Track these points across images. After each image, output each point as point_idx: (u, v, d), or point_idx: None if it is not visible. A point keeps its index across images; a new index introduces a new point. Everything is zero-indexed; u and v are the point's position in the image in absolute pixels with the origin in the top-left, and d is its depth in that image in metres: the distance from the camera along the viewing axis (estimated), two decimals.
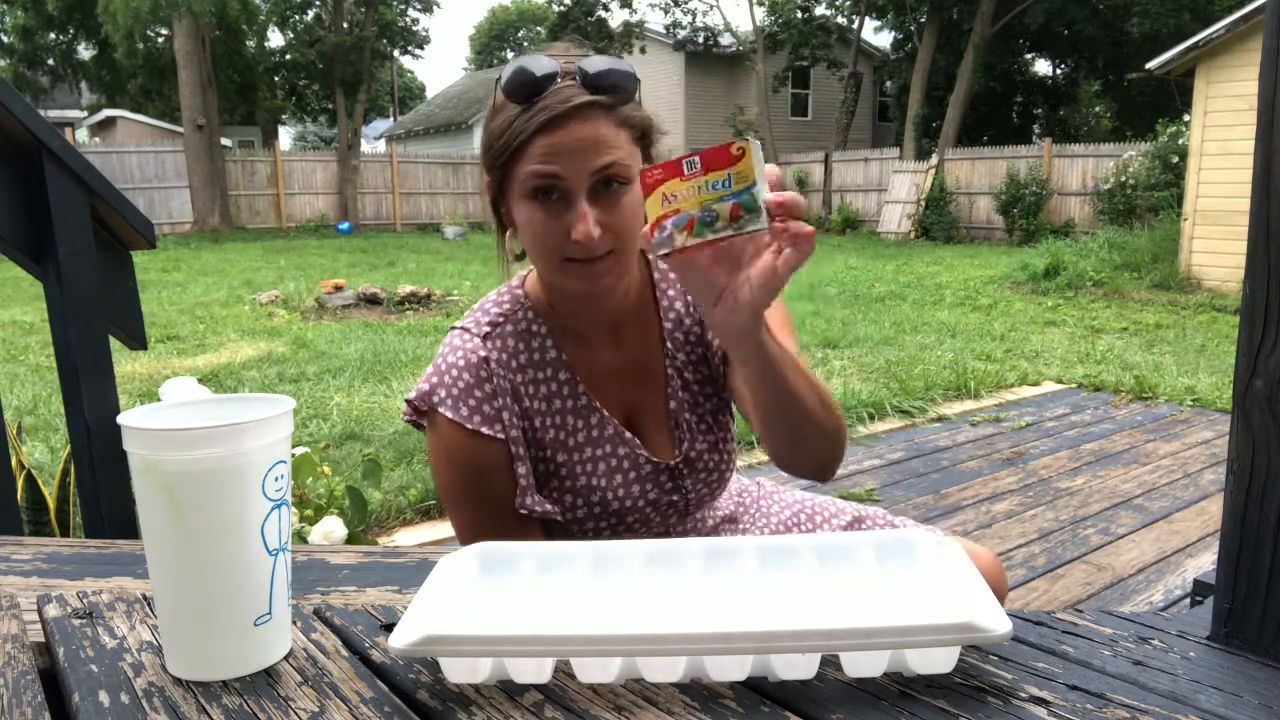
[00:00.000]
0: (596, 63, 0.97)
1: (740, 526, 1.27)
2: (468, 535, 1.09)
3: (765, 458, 3.97)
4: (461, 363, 1.07)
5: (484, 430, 1.06)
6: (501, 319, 1.11)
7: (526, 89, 0.96)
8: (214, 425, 0.66)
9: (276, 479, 0.69)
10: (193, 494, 0.66)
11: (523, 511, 1.07)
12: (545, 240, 0.99)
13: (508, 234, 1.08)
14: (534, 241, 1.01)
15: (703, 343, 1.15)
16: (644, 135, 1.03)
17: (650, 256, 1.14)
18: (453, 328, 1.12)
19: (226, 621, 0.68)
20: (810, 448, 1.00)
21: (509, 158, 0.98)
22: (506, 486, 1.07)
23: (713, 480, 1.17)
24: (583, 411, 1.11)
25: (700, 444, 1.14)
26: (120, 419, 0.67)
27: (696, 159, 0.71)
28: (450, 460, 1.09)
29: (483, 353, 1.08)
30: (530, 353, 1.10)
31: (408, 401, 1.09)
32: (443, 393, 1.06)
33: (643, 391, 1.14)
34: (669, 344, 1.13)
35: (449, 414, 1.06)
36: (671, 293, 1.15)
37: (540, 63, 0.97)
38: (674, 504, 1.14)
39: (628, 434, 1.11)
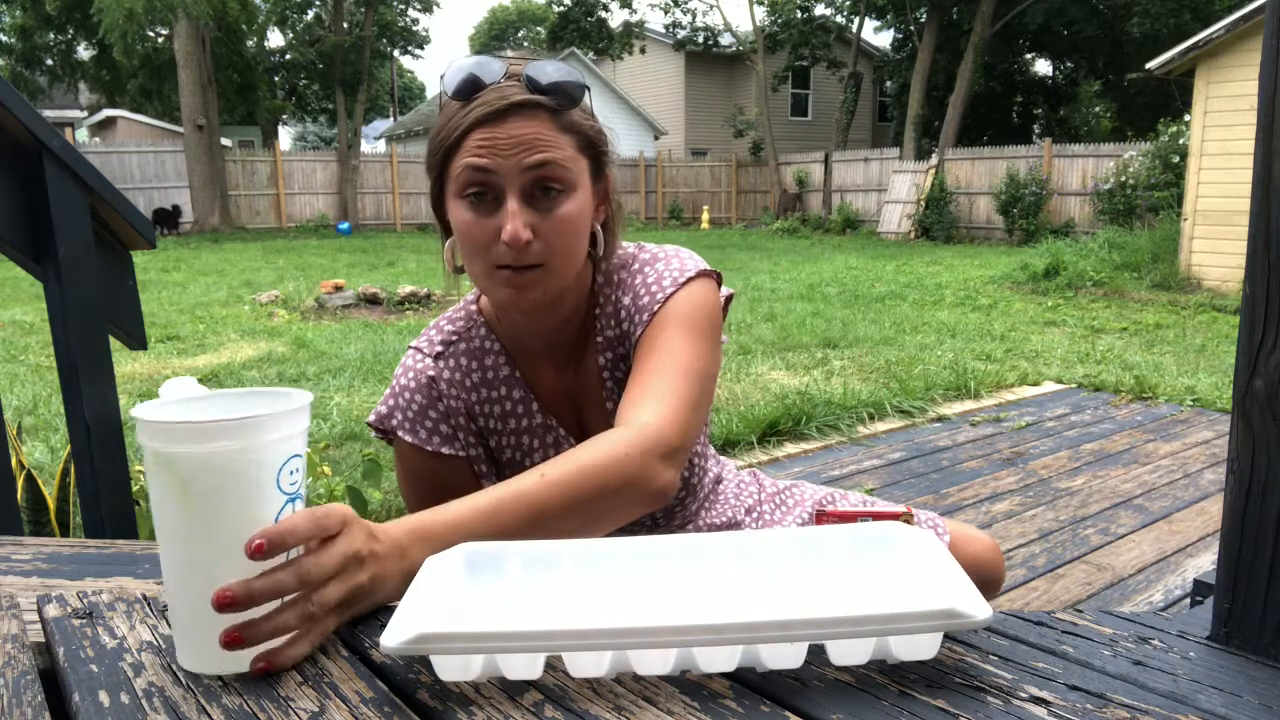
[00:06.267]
0: (542, 66, 0.95)
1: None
2: None
3: (762, 458, 3.97)
4: (413, 384, 1.06)
5: (444, 450, 1.05)
6: (455, 337, 1.09)
7: (467, 86, 0.94)
8: (232, 418, 0.66)
9: (292, 473, 0.69)
10: (208, 487, 0.66)
11: None
12: (475, 241, 0.95)
13: (449, 242, 1.02)
14: (465, 243, 0.96)
15: (626, 346, 1.08)
16: (592, 145, 0.98)
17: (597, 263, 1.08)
18: (409, 346, 1.11)
19: (242, 614, 0.67)
20: None
21: (445, 154, 0.95)
22: None
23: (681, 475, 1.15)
24: (538, 430, 1.09)
25: None
26: (134, 411, 0.67)
27: (871, 519, 0.82)
28: (417, 482, 1.08)
29: (432, 373, 1.06)
30: (484, 371, 1.08)
31: (369, 424, 1.08)
32: (400, 416, 1.05)
33: (592, 407, 1.11)
34: (602, 358, 1.10)
35: (408, 438, 1.05)
36: (610, 309, 1.08)
37: (484, 62, 0.95)
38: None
39: None
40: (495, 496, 0.81)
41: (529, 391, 1.09)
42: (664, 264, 1.05)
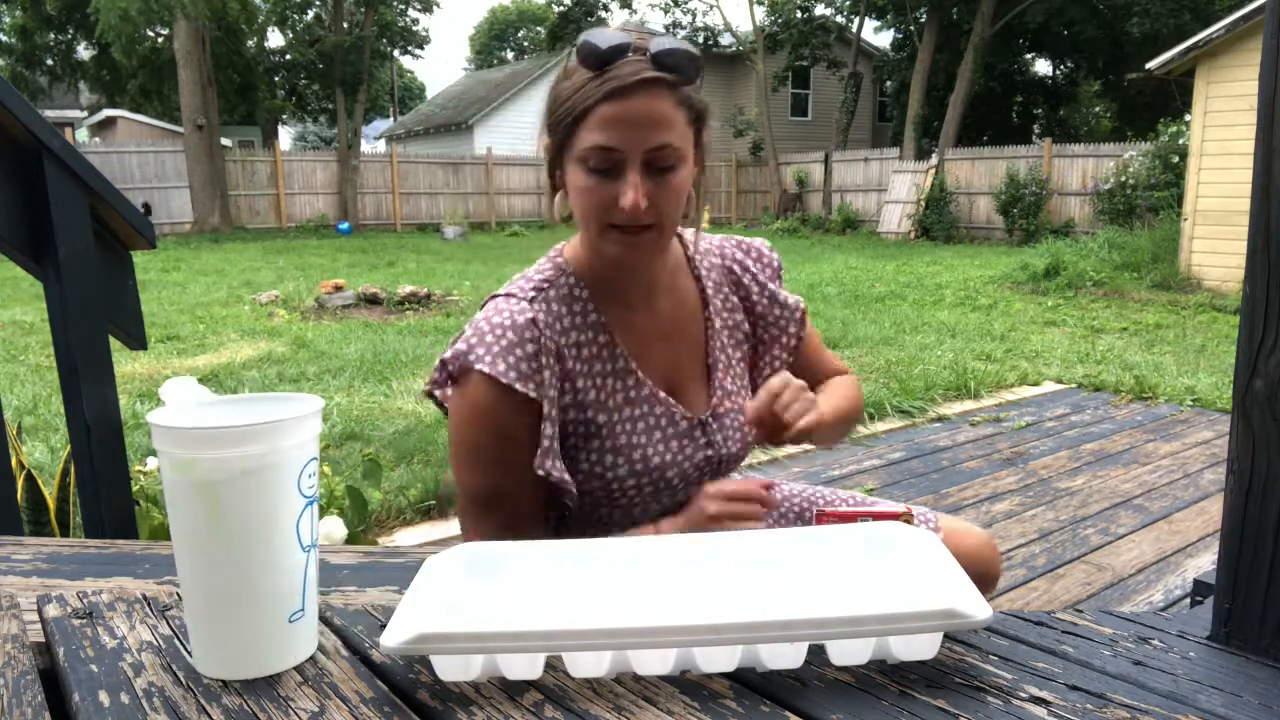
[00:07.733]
0: (665, 42, 1.03)
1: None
2: (477, 500, 1.11)
3: (762, 458, 3.97)
4: (507, 322, 1.09)
5: (518, 387, 1.07)
6: (546, 284, 1.15)
7: (599, 57, 1.02)
8: (257, 423, 0.66)
9: (309, 476, 0.69)
10: (232, 492, 0.65)
11: (540, 473, 1.08)
12: (594, 205, 1.05)
13: (558, 196, 1.13)
14: (583, 205, 1.06)
15: (742, 313, 1.27)
16: (699, 118, 1.09)
17: (682, 234, 1.25)
18: (493, 296, 1.15)
19: (263, 618, 0.68)
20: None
21: (573, 121, 1.03)
22: (526, 456, 1.08)
23: (742, 434, 1.23)
24: (621, 373, 1.15)
25: (730, 400, 1.22)
26: (151, 418, 0.67)
27: (870, 519, 0.85)
28: (475, 421, 1.10)
29: (530, 314, 1.10)
30: (574, 316, 1.14)
31: (442, 362, 1.10)
32: (481, 350, 1.08)
33: (680, 351, 1.20)
34: (710, 306, 1.22)
35: (486, 369, 1.07)
36: (707, 264, 1.24)
37: (614, 35, 1.03)
38: (709, 459, 1.19)
39: (662, 394, 1.16)
40: (836, 397, 1.24)
41: (613, 336, 1.16)
42: (773, 269, 1.33)
